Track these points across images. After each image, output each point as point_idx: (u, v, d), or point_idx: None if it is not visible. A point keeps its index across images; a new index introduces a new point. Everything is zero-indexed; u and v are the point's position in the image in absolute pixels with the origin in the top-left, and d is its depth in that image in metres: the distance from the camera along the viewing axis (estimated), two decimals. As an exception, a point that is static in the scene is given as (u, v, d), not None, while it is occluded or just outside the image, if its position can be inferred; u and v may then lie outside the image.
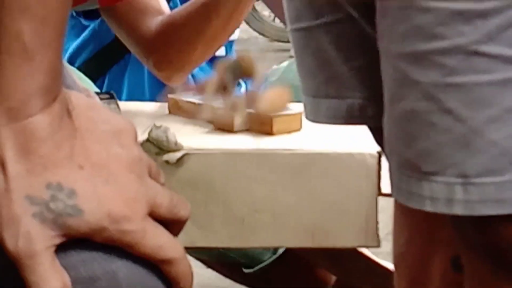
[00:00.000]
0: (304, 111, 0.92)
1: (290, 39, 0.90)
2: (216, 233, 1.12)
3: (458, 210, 0.73)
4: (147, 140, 1.09)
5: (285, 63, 1.80)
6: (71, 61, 1.62)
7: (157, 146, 1.09)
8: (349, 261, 1.57)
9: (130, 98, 1.59)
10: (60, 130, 0.54)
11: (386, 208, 1.05)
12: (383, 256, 1.54)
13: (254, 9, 5.53)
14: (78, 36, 1.64)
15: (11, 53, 0.52)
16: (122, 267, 0.55)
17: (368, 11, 0.79)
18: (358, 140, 1.10)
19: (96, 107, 0.57)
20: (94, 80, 1.54)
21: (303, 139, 1.15)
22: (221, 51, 1.63)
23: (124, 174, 0.55)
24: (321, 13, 0.84)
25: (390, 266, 1.48)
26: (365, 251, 1.58)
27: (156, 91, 1.57)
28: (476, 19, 0.69)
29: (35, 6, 0.52)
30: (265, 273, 1.62)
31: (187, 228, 0.60)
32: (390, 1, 0.73)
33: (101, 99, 1.19)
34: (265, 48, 5.75)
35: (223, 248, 1.55)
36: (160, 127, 1.09)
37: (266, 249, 1.60)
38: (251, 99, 1.13)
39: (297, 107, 1.16)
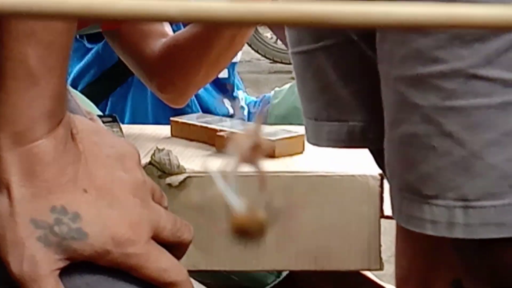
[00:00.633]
0: (306, 134, 0.92)
1: (291, 62, 0.90)
2: (219, 257, 1.12)
3: (459, 233, 0.73)
4: (150, 163, 1.09)
5: (287, 86, 1.80)
6: (74, 84, 1.62)
7: (159, 169, 1.09)
8: (352, 284, 1.57)
9: (133, 121, 1.59)
10: (64, 154, 0.54)
11: (389, 230, 1.05)
12: (387, 279, 1.54)
13: (256, 30, 5.54)
14: (81, 59, 1.65)
15: (17, 78, 0.53)
16: None
17: (368, 34, 0.79)
18: (360, 162, 1.10)
19: (100, 131, 0.57)
20: (97, 103, 1.54)
21: (305, 162, 1.15)
22: (224, 73, 1.64)
23: (128, 198, 0.55)
24: (322, 36, 0.85)
25: (392, 288, 1.48)
26: (369, 273, 1.57)
27: (159, 113, 1.57)
28: (474, 42, 0.70)
29: (40, 32, 0.53)
30: (269, 296, 1.62)
31: (190, 251, 0.60)
32: None
33: (103, 122, 1.20)
34: (267, 70, 5.75)
35: (227, 272, 1.55)
36: (162, 150, 1.09)
37: (270, 272, 1.60)
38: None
39: (299, 130, 1.16)
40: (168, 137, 1.30)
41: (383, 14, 0.23)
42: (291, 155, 1.18)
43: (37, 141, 0.53)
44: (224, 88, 1.69)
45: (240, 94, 1.74)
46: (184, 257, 0.59)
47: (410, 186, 0.75)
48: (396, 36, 0.73)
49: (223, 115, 1.55)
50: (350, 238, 1.10)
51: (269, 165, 1.14)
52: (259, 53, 5.76)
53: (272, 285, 1.61)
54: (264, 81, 5.08)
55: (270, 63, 5.83)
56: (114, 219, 0.54)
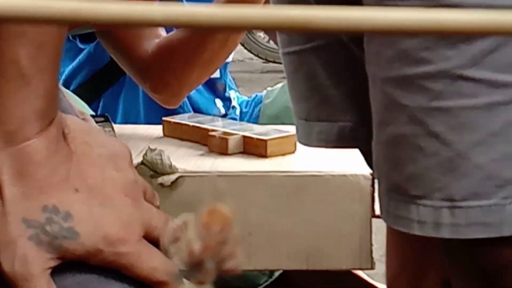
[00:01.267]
0: (297, 134, 0.93)
1: (282, 63, 0.91)
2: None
3: (445, 233, 0.73)
4: (142, 162, 1.09)
5: (279, 85, 1.81)
6: (66, 84, 1.62)
7: (151, 169, 1.09)
8: (344, 284, 1.57)
9: (125, 121, 1.60)
10: (56, 154, 0.54)
11: (381, 229, 1.05)
12: (379, 278, 1.55)
13: (249, 30, 5.53)
14: (73, 59, 1.65)
15: (8, 78, 0.53)
16: None
17: (357, 35, 0.80)
18: (351, 162, 1.11)
19: (92, 131, 0.58)
20: (89, 103, 1.54)
21: (297, 162, 1.16)
22: (216, 73, 1.64)
23: (119, 197, 0.56)
24: (312, 37, 0.85)
25: None
26: (361, 273, 1.58)
27: (151, 113, 1.57)
28: (460, 43, 0.70)
29: (31, 32, 0.53)
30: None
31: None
32: None
33: (96, 122, 1.20)
34: (260, 69, 5.75)
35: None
36: (154, 149, 1.10)
37: (262, 272, 1.60)
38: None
39: (291, 130, 1.16)
40: (160, 137, 1.30)
41: (366, 18, 0.23)
42: (283, 154, 1.18)
43: (28, 141, 0.53)
44: (216, 88, 1.69)
45: (232, 94, 1.75)
46: (175, 257, 0.59)
47: (397, 186, 0.75)
48: (383, 37, 0.73)
49: (215, 116, 1.56)
50: (341, 238, 1.11)
51: (260, 165, 1.14)
52: (252, 53, 5.75)
53: (264, 285, 1.61)
54: (256, 81, 5.08)
55: (263, 62, 5.82)
56: (106, 218, 0.54)
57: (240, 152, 1.19)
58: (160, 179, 1.09)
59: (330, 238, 1.11)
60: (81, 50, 1.64)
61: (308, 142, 0.90)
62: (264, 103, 1.78)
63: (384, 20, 0.23)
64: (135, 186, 0.57)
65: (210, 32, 1.34)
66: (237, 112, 1.75)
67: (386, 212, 0.77)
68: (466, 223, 0.72)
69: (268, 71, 5.61)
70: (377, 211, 1.12)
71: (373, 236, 1.12)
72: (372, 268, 1.12)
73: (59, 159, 0.54)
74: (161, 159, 1.09)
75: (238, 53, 5.56)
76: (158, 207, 0.60)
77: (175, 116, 1.32)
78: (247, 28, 0.22)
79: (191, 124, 1.27)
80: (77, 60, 1.64)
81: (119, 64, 1.46)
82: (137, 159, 1.09)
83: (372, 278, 1.58)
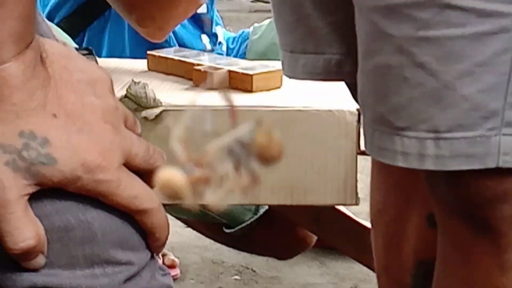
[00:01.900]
0: (282, 67, 0.91)
1: (269, -6, 0.89)
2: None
3: (430, 165, 0.73)
4: (126, 96, 1.08)
5: (266, 21, 1.79)
6: (50, 17, 1.60)
7: (135, 102, 1.08)
8: (329, 221, 1.58)
9: (110, 55, 1.58)
10: (33, 78, 0.53)
11: (367, 169, 1.05)
12: (364, 216, 1.55)
13: (237, -31, 5.47)
14: (57, -9, 1.62)
15: None
16: (97, 217, 0.54)
17: None
18: (338, 97, 1.10)
19: (71, 56, 0.56)
20: (73, 37, 1.52)
21: (283, 97, 1.15)
22: (203, 9, 1.62)
23: (99, 124, 0.54)
24: None
25: (369, 225, 1.49)
26: (346, 211, 1.58)
27: (137, 47, 1.55)
28: None
29: None
30: (246, 233, 1.62)
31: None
32: None
33: (79, 54, 1.18)
34: (248, 8, 5.71)
35: (203, 206, 1.55)
36: (139, 83, 1.08)
37: (247, 208, 1.60)
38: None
39: (277, 65, 1.15)
40: (145, 71, 1.29)
41: None
42: (268, 89, 1.17)
43: (4, 64, 0.52)
44: (202, 23, 1.67)
45: (218, 29, 1.73)
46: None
47: (382, 117, 0.74)
48: None
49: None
50: (326, 173, 1.10)
51: (246, 99, 1.13)
52: (241, -8, 5.70)
53: (249, 221, 1.62)
54: (244, 20, 5.04)
55: (251, 1, 5.78)
56: (84, 144, 0.53)
57: (226, 87, 1.18)
58: (144, 113, 1.08)
59: (315, 174, 1.11)
60: (66, -18, 1.62)
61: (293, 74, 0.89)
62: (251, 39, 1.76)
63: None
64: (115, 112, 0.56)
65: None
66: (224, 48, 1.74)
67: (370, 144, 0.77)
68: (451, 155, 0.72)
69: (256, 11, 5.56)
70: (362, 147, 1.11)
71: (358, 175, 1.12)
72: (356, 203, 1.12)
73: (36, 83, 0.53)
74: (145, 93, 1.08)
75: (226, -8, 5.52)
76: (139, 135, 0.59)
77: (161, 50, 1.31)
78: None
79: (176, 58, 1.25)
80: (61, -7, 1.61)
81: (104, -4, 1.43)
82: (120, 92, 1.08)
83: (358, 217, 1.59)
